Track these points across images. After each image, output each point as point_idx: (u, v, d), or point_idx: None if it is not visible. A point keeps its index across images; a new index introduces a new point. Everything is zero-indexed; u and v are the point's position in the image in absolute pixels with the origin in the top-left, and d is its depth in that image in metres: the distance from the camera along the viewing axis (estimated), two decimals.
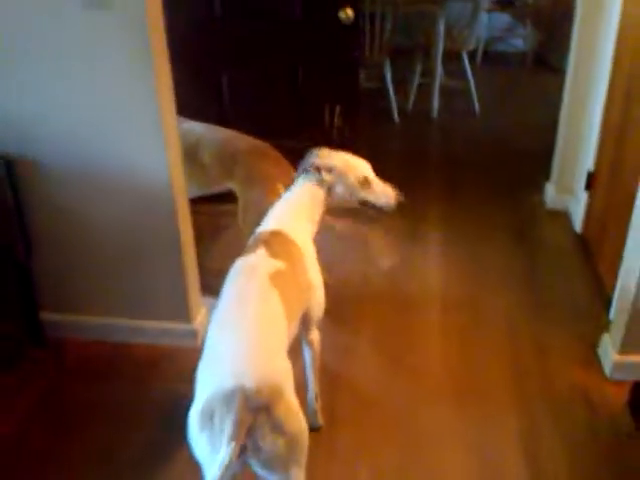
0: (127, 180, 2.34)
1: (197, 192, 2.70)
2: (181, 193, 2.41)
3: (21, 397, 2.37)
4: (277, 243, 1.86)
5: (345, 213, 2.34)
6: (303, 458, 1.51)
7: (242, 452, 1.40)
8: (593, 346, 2.54)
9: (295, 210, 2.00)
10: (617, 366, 2.37)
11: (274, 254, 1.81)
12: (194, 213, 2.58)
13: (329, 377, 2.34)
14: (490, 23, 6.37)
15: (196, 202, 2.67)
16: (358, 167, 2.06)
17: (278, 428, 1.43)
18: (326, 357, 2.18)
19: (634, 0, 2.76)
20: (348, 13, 3.22)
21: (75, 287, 2.60)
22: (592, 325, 2.63)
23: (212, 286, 2.41)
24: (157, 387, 2.43)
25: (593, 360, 2.49)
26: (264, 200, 2.45)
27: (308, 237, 2.00)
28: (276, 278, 1.73)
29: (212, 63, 3.05)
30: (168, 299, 2.55)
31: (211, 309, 2.36)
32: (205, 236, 2.59)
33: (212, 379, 1.48)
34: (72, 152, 2.33)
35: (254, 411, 1.39)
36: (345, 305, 2.78)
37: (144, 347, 2.59)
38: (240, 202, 2.61)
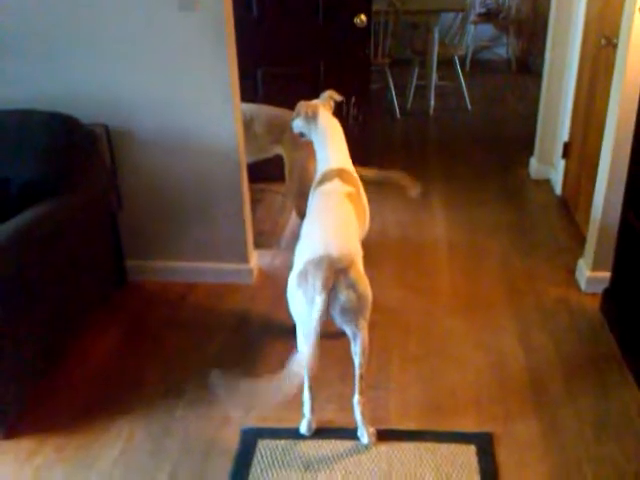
0: (202, 144, 2.91)
1: (252, 158, 3.29)
2: (242, 155, 2.98)
3: (113, 324, 2.92)
4: (345, 176, 2.51)
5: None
6: (367, 312, 2.06)
7: (328, 303, 1.92)
8: (572, 272, 3.16)
9: (344, 150, 2.66)
10: (590, 281, 2.99)
11: (345, 182, 2.46)
12: None
13: None
14: (476, 34, 7.04)
15: None
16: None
17: (351, 286, 1.98)
18: None
19: (592, 10, 3.46)
20: (362, 19, 3.90)
21: (152, 237, 3.14)
22: (571, 258, 3.24)
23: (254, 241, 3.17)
24: (221, 313, 2.97)
25: (572, 281, 3.11)
26: (307, 160, 3.09)
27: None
28: (349, 197, 2.38)
29: (249, 59, 3.61)
30: (230, 243, 3.10)
31: (258, 258, 2.97)
32: None
33: (307, 251, 2.05)
34: (158, 122, 2.90)
35: (336, 272, 1.96)
36: (367, 249, 3.34)
37: (209, 284, 3.15)
38: (287, 162, 3.23)
